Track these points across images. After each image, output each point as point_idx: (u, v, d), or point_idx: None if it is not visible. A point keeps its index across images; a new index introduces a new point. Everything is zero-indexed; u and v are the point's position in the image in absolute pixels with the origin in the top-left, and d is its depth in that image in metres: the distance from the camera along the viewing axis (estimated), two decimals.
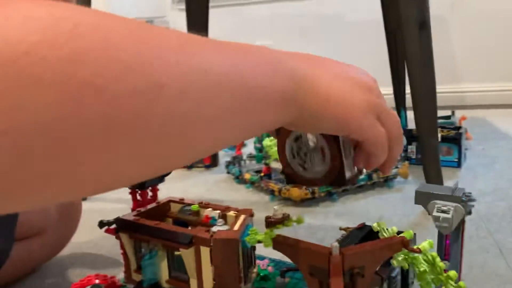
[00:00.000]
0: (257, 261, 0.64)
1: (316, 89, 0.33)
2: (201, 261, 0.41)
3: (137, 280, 0.46)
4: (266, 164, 1.13)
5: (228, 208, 0.48)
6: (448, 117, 1.41)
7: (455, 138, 1.17)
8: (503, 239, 0.75)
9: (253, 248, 0.48)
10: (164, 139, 0.23)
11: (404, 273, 0.54)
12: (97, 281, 0.60)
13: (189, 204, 0.50)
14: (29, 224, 0.65)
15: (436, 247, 0.51)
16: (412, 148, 1.24)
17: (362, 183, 1.03)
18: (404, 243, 0.38)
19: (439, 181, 0.90)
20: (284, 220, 0.42)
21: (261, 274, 0.63)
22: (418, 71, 0.86)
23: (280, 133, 0.41)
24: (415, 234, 0.48)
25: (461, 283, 0.37)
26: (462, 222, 0.49)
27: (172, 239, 0.42)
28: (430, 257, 0.38)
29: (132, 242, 0.46)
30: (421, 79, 0.86)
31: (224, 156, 1.37)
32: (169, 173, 0.65)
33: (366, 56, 2.26)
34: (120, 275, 0.61)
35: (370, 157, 0.38)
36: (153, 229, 0.43)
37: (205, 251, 0.41)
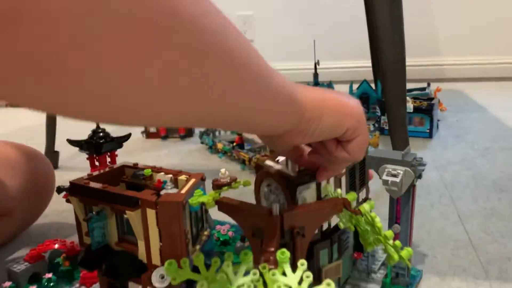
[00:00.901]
0: (218, 226, 0.64)
1: (313, 95, 0.35)
2: (148, 223, 0.41)
3: (88, 243, 0.46)
4: (239, 135, 1.13)
5: (180, 173, 0.48)
6: (423, 89, 1.42)
7: (427, 109, 1.18)
8: (464, 206, 0.77)
9: (205, 210, 0.48)
10: None
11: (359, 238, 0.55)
12: (56, 246, 0.60)
13: (142, 169, 0.50)
14: None
15: (388, 211, 0.52)
16: (385, 119, 1.24)
17: None
18: (345, 204, 0.39)
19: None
20: (231, 182, 0.42)
21: (221, 239, 0.64)
22: (388, 39, 0.86)
23: (258, 174, 0.44)
24: (371, 200, 0.49)
25: (397, 242, 0.38)
26: (413, 186, 0.50)
27: (119, 202, 0.42)
28: (370, 218, 0.38)
29: (82, 206, 0.45)
30: (390, 47, 0.86)
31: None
32: (127, 138, 0.65)
33: (348, 28, 2.25)
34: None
35: (337, 162, 0.39)
36: (101, 192, 0.43)
37: (151, 214, 0.41)
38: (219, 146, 1.12)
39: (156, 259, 0.42)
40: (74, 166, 1.10)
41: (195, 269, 0.33)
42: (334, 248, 0.48)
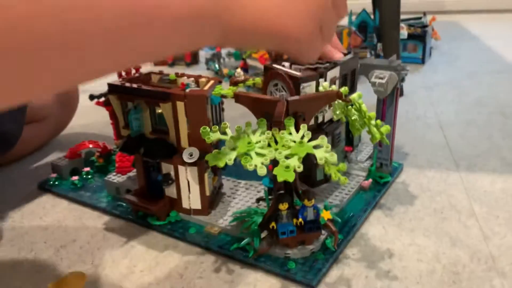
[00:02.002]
0: None
1: (243, 2, 0.32)
2: (177, 114, 0.51)
3: (125, 135, 0.56)
4: (243, 59, 1.20)
5: (200, 76, 0.57)
6: (418, 18, 1.47)
7: (420, 36, 1.24)
8: (446, 118, 0.87)
9: (222, 109, 0.57)
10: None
11: (350, 136, 0.65)
12: (91, 146, 0.70)
13: (167, 74, 0.59)
14: (34, 112, 0.75)
15: (375, 111, 0.61)
16: (381, 46, 1.31)
17: None
18: (339, 95, 0.48)
19: None
20: (245, 80, 0.51)
21: None
22: None
23: (265, 75, 0.52)
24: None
25: (378, 121, 0.47)
26: (397, 88, 0.59)
27: (153, 96, 0.51)
28: (357, 105, 0.47)
29: (119, 103, 0.54)
30: None
31: (205, 55, 1.43)
32: None
33: None
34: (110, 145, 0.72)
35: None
36: (137, 89, 0.52)
37: (180, 105, 0.50)
38: (225, 71, 1.20)
39: (185, 142, 0.52)
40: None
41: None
42: (328, 140, 0.58)
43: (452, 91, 1.03)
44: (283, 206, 0.46)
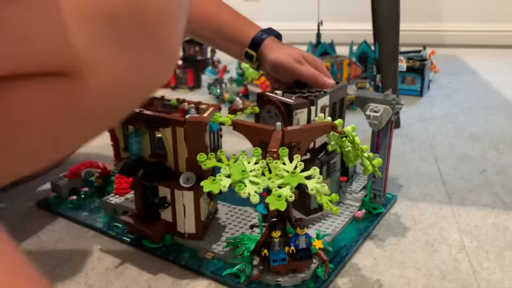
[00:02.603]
0: None
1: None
2: (176, 139, 0.52)
3: (124, 157, 0.57)
4: (244, 86, 1.23)
5: (200, 103, 0.59)
6: (418, 51, 1.50)
7: (419, 69, 1.27)
8: (441, 151, 0.88)
9: (220, 136, 0.59)
10: None
11: (345, 166, 0.67)
12: (84, 168, 0.71)
13: (169, 100, 0.60)
14: None
15: (370, 142, 0.63)
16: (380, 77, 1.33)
17: None
18: (333, 127, 0.49)
19: None
20: (244, 108, 0.53)
21: None
22: (387, 4, 0.95)
23: (259, 102, 0.56)
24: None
25: (370, 154, 0.49)
26: (391, 122, 0.60)
27: (153, 121, 0.53)
28: (351, 137, 0.49)
29: (120, 126, 0.56)
30: (386, 8, 0.95)
31: (207, 79, 1.46)
32: None
33: None
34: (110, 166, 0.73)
35: None
36: (138, 114, 0.54)
37: (179, 131, 0.51)
38: (226, 96, 1.22)
39: (182, 167, 0.53)
40: None
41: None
42: (324, 169, 0.59)
43: (448, 125, 1.04)
44: (276, 234, 0.47)
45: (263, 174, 0.40)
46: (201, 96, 1.36)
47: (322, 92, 0.60)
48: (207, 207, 0.56)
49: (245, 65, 1.14)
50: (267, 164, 0.41)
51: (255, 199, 0.38)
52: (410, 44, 1.60)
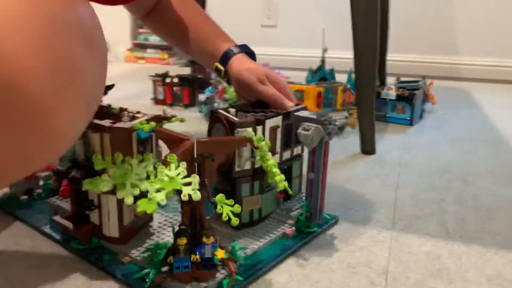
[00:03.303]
0: None
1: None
2: (103, 144, 0.54)
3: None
4: (230, 105, 1.25)
5: (139, 113, 0.61)
6: (417, 81, 1.49)
7: (408, 98, 1.26)
8: (406, 179, 0.87)
9: (156, 145, 0.60)
10: None
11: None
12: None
13: (112, 108, 0.63)
14: None
15: (307, 162, 0.63)
16: None
17: None
18: (248, 140, 0.50)
19: (371, 128, 1.01)
20: (170, 118, 0.55)
21: None
22: (361, 26, 0.96)
23: (210, 119, 0.59)
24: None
25: (275, 170, 0.49)
26: (326, 142, 0.60)
27: None
28: (264, 151, 0.50)
29: None
30: (363, 32, 0.95)
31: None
32: (111, 87, 0.78)
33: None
34: None
35: None
36: None
37: (106, 136, 0.54)
38: None
39: None
40: None
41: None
42: (256, 185, 0.60)
43: (425, 154, 1.03)
44: (181, 241, 0.48)
45: (148, 178, 0.42)
46: (193, 113, 1.39)
47: (274, 113, 0.61)
48: (131, 213, 0.57)
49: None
50: (154, 168, 0.42)
51: (128, 200, 0.39)
52: (427, 76, 1.59)
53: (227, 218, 0.44)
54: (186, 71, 1.84)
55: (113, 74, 2.39)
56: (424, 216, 0.71)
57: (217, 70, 0.74)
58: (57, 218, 0.59)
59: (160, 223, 0.62)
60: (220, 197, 0.45)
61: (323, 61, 1.69)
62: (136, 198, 0.40)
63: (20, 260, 0.55)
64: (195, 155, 0.48)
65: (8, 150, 0.31)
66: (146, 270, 0.50)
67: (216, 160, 0.50)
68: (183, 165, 0.42)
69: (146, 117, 0.58)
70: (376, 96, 1.32)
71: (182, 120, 0.55)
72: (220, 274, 0.50)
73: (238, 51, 0.74)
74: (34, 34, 0.29)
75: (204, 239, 0.48)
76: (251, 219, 0.61)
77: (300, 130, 0.59)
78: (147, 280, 0.49)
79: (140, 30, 2.92)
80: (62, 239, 0.59)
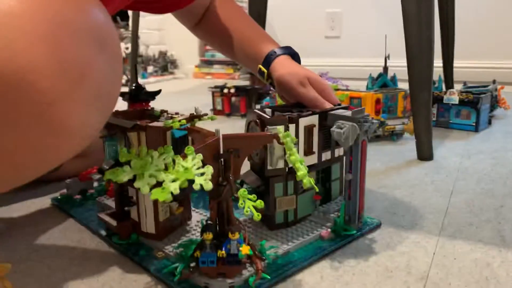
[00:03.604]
0: None
1: None
2: (140, 143, 0.57)
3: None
4: None
5: (177, 114, 0.63)
6: (485, 86, 1.40)
7: (472, 102, 1.18)
8: (462, 185, 0.81)
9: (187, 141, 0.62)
10: None
11: (327, 186, 0.65)
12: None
13: (154, 111, 0.66)
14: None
15: (344, 162, 0.61)
16: (433, 110, 1.27)
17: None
18: (274, 136, 0.50)
19: (427, 134, 0.96)
20: (202, 116, 0.56)
21: None
22: (415, 27, 0.92)
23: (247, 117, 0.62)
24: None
25: (297, 165, 0.48)
26: (363, 141, 0.58)
27: (123, 125, 0.58)
28: (288, 144, 0.49)
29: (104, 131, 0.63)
30: (417, 33, 0.92)
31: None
32: (158, 93, 0.81)
33: None
34: None
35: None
36: (113, 119, 0.60)
37: (142, 135, 0.56)
38: None
39: None
40: None
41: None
42: (290, 184, 0.59)
43: (488, 160, 0.96)
44: (207, 236, 0.48)
45: (167, 169, 0.43)
46: None
47: (310, 112, 0.61)
48: (168, 209, 0.59)
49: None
50: (173, 160, 0.43)
51: (144, 190, 0.40)
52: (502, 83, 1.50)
53: (248, 213, 0.44)
54: (246, 82, 1.87)
55: (181, 89, 2.49)
56: (478, 223, 0.65)
57: (261, 73, 0.75)
58: (102, 214, 0.62)
59: (198, 221, 0.64)
60: (242, 191, 0.45)
61: (385, 68, 1.64)
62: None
63: (65, 252, 0.59)
64: (221, 151, 0.49)
65: (25, 144, 0.33)
66: (175, 264, 0.51)
67: (242, 156, 0.50)
68: (199, 157, 0.43)
69: (181, 117, 0.60)
70: (439, 101, 1.26)
71: (212, 118, 0.56)
72: (248, 272, 0.50)
73: (281, 52, 0.74)
74: (43, 35, 0.31)
75: (230, 235, 0.48)
76: (286, 220, 0.61)
77: (333, 128, 0.57)
78: (176, 274, 0.50)
79: (207, 48, 3.03)
80: (105, 235, 0.62)
